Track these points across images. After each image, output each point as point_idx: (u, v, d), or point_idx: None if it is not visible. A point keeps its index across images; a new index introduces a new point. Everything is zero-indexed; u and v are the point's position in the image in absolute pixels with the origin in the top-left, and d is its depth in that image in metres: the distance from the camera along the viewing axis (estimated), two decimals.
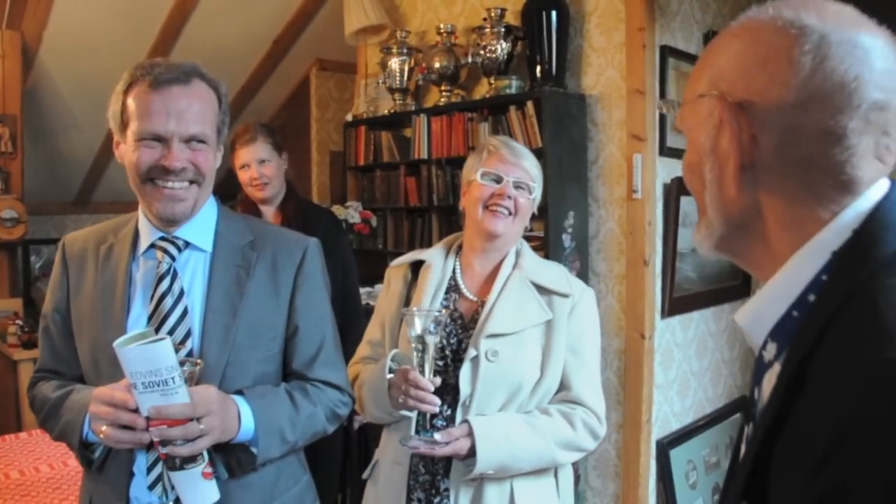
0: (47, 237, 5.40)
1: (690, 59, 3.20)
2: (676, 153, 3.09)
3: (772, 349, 0.76)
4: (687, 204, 3.08)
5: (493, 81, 3.50)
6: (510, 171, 1.76)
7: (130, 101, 1.35)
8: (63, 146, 5.27)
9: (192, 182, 1.38)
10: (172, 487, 1.31)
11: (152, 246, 1.43)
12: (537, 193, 1.81)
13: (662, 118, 3.05)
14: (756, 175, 0.75)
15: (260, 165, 2.74)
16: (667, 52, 3.09)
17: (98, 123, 4.94)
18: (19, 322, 4.34)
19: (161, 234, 1.43)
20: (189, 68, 1.37)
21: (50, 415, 1.43)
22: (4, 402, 4.39)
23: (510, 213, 1.75)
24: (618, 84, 3.15)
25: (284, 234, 1.57)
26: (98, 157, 5.48)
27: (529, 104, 3.22)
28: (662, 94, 3.06)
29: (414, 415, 1.64)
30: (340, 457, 2.94)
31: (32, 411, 1.52)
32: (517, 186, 1.76)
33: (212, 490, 1.30)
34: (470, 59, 3.60)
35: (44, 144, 5.14)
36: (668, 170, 3.10)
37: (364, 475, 1.87)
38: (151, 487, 1.37)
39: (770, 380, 0.75)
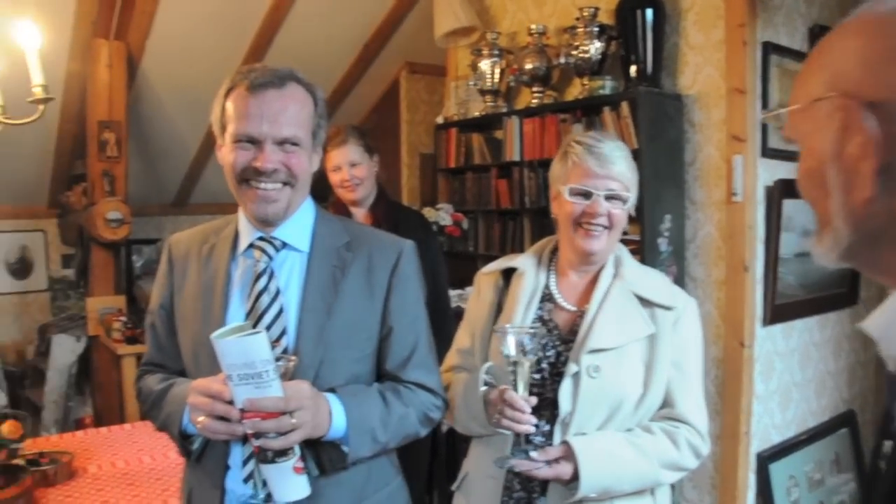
0: (147, 237, 5.62)
1: (795, 55, 3.06)
2: (780, 154, 2.96)
3: None
4: (791, 207, 2.94)
5: (586, 82, 3.44)
6: (599, 184, 1.62)
7: (229, 105, 1.39)
8: (162, 150, 5.48)
9: (285, 184, 1.40)
10: (265, 482, 1.33)
11: (251, 246, 1.46)
12: (633, 197, 1.68)
13: None
14: (891, 177, 0.70)
15: (351, 168, 2.76)
16: (769, 48, 2.96)
17: (195, 128, 5.13)
18: (123, 318, 4.53)
19: (259, 235, 1.46)
20: (285, 73, 1.39)
21: (154, 406, 1.50)
22: (110, 394, 4.58)
23: (606, 227, 1.65)
24: (716, 83, 3.04)
25: (380, 235, 1.58)
26: (195, 160, 5.67)
27: (624, 105, 3.14)
28: (765, 93, 2.93)
29: (511, 433, 1.59)
30: (428, 460, 2.94)
31: (139, 402, 1.58)
32: (609, 198, 1.64)
33: (302, 485, 1.31)
34: (562, 60, 3.55)
35: (145, 149, 5.36)
36: (771, 171, 2.97)
37: (453, 486, 1.84)
38: (246, 480, 1.40)
39: None
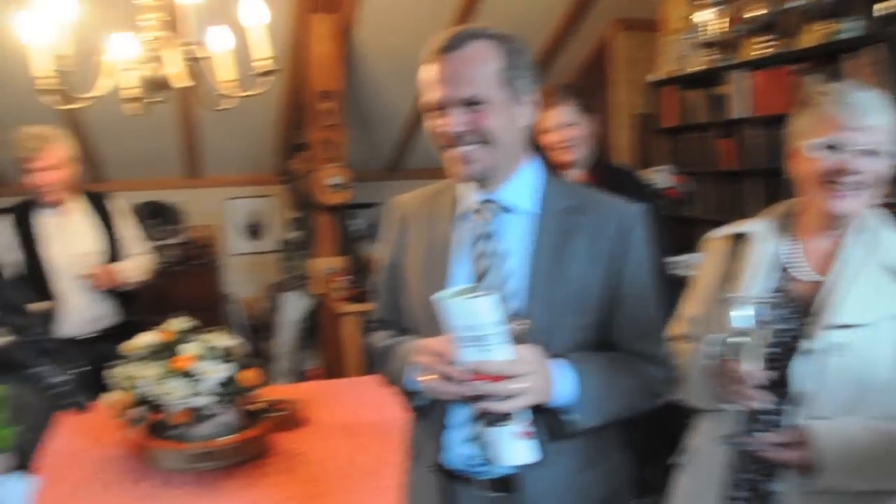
0: (365, 202, 5.85)
1: None
2: None
3: None
4: None
5: (821, 26, 3.10)
6: (850, 137, 1.43)
7: (420, 76, 1.39)
8: (377, 117, 5.69)
9: (482, 143, 1.36)
10: (488, 444, 1.32)
11: (472, 208, 1.45)
12: (893, 150, 1.46)
13: None
14: None
15: (565, 129, 2.68)
16: None
17: (407, 94, 5.27)
18: (344, 279, 4.79)
19: (480, 197, 1.44)
20: (464, 32, 1.36)
21: (380, 362, 1.56)
22: (335, 349, 4.88)
23: (858, 186, 1.44)
24: None
25: (610, 199, 1.50)
26: (408, 125, 5.85)
27: (869, 50, 2.79)
28: None
29: (739, 410, 1.47)
30: (646, 432, 2.84)
31: (366, 357, 1.65)
32: (865, 153, 1.43)
33: (526, 450, 1.28)
34: (792, 4, 3.22)
35: (361, 116, 5.59)
36: None
37: (675, 460, 1.75)
38: (468, 441, 1.41)
39: None
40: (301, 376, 5.33)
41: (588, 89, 5.65)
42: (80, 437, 2.40)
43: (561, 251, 1.40)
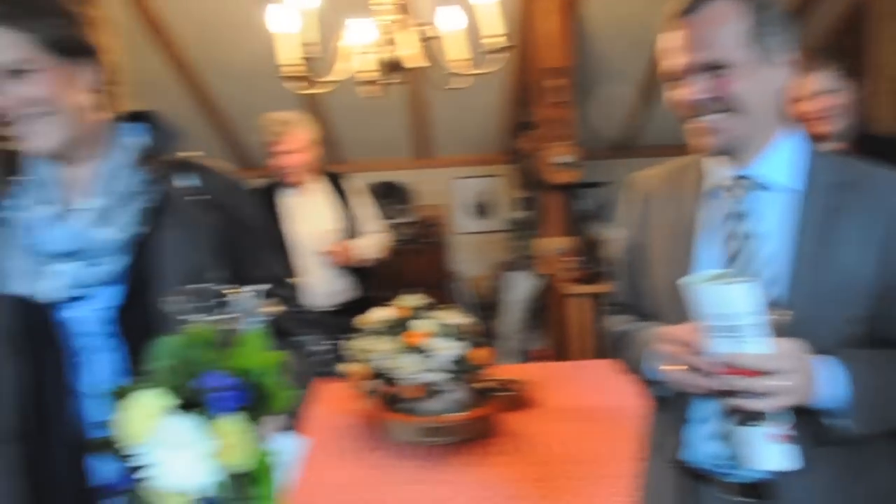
0: (594, 181, 5.71)
1: None
2: None
3: None
4: None
5: None
6: None
7: (659, 44, 1.31)
8: (605, 93, 5.53)
9: (727, 112, 1.25)
10: (738, 445, 1.20)
11: (722, 185, 1.34)
12: None
13: None
14: None
15: (823, 97, 2.44)
16: None
17: (636, 68, 5.08)
18: (572, 259, 4.72)
19: (732, 172, 1.32)
20: None
21: (618, 347, 1.50)
22: (559, 331, 4.85)
23: None
24: None
25: (889, 174, 1.31)
26: (640, 101, 5.64)
27: None
28: None
29: None
30: None
31: (604, 342, 1.60)
32: None
33: (782, 456, 1.14)
34: None
35: (588, 92, 5.46)
36: None
37: None
38: (715, 439, 1.30)
39: None
40: (526, 357, 5.35)
41: (844, 51, 5.11)
42: (320, 405, 2.56)
43: (829, 233, 1.25)
